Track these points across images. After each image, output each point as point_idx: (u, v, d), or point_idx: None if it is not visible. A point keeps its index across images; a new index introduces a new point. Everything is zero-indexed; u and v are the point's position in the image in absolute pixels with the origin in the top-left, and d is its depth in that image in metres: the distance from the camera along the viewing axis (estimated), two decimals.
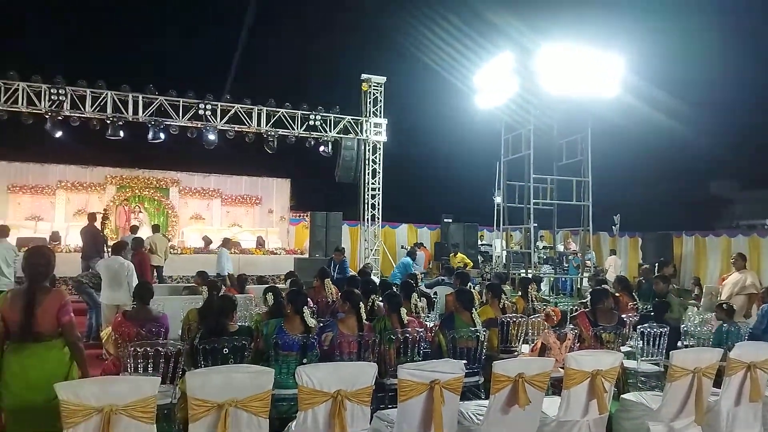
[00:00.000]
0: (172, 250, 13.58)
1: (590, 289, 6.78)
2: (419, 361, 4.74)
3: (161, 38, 19.24)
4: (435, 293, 8.49)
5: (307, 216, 18.69)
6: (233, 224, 18.38)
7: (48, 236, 14.53)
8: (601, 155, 12.77)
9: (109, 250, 9.79)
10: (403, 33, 19.71)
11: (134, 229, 12.10)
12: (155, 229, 12.50)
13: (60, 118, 12.26)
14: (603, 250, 20.39)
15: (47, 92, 12.11)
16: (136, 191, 17.04)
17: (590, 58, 11.32)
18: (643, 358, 5.35)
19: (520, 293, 7.45)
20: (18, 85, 12.08)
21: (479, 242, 18.84)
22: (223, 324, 4.34)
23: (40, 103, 12.15)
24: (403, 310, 4.97)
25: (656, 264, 10.76)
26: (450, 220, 18.32)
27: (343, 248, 11.39)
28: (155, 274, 11.63)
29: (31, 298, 3.32)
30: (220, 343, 4.10)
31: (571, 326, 5.47)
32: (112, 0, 18.76)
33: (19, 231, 15.00)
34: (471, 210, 19.64)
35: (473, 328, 4.89)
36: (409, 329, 4.71)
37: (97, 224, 10.72)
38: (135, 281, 6.99)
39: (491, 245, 18.78)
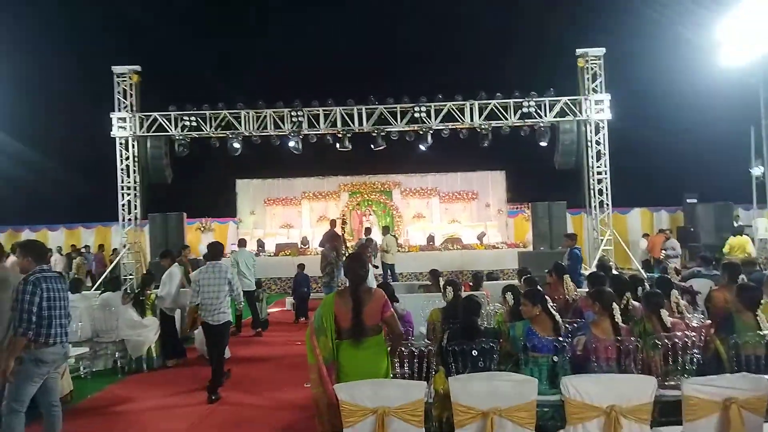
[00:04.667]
0: (399, 248, 14.43)
1: None
2: (691, 371, 4.12)
3: (370, 50, 20.49)
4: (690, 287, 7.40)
5: (525, 207, 18.17)
6: (452, 221, 18.79)
7: (299, 241, 16.68)
8: None
9: (347, 251, 10.88)
10: None
11: (368, 231, 13.10)
12: (386, 230, 13.35)
13: (300, 136, 13.91)
14: None
15: (288, 115, 13.86)
16: (365, 196, 18.56)
17: None
18: None
19: None
20: (265, 112, 14.06)
21: (734, 224, 16.10)
22: (473, 324, 4.32)
23: (284, 126, 13.97)
24: (664, 312, 4.37)
25: None
26: (695, 200, 16.03)
27: (575, 234, 10.65)
28: (389, 272, 12.46)
29: (358, 299, 3.74)
30: (468, 345, 4.09)
31: None
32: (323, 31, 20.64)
33: (276, 237, 17.55)
34: (720, 186, 16.90)
35: (762, 332, 4.07)
36: (678, 333, 4.11)
37: (337, 229, 11.89)
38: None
39: (751, 226, 15.90)
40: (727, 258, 9.85)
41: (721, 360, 4.13)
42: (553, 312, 4.24)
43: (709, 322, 4.93)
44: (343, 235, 11.80)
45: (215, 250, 6.46)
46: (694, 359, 4.15)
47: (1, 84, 17.10)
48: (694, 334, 4.20)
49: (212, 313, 5.97)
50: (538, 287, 5.25)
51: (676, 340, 4.07)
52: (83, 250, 17.85)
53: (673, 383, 4.00)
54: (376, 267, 11.35)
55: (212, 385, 5.87)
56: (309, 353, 3.81)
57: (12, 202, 20.22)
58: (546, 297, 4.46)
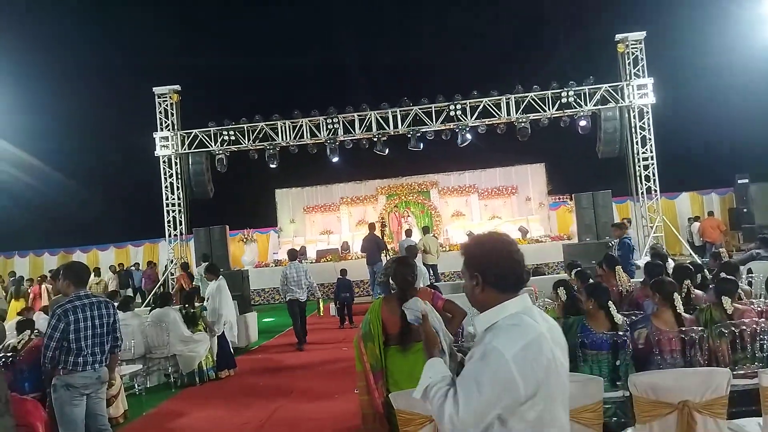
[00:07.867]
0: (441, 248, 14.27)
1: None
2: (762, 358, 3.89)
3: (401, 50, 20.40)
4: (749, 271, 7.04)
5: (567, 199, 17.72)
6: (492, 217, 18.46)
7: (339, 246, 16.74)
8: None
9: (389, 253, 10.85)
10: None
11: (408, 232, 13.02)
12: (425, 230, 13.24)
13: (336, 143, 13.97)
14: None
15: (324, 123, 13.95)
16: (403, 198, 18.48)
17: None
18: None
19: None
20: (302, 122, 14.19)
21: None
22: None
23: (320, 134, 14.06)
24: (726, 299, 4.13)
25: None
26: (746, 180, 15.30)
27: (623, 223, 10.21)
28: (431, 272, 12.32)
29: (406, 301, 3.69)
30: None
31: None
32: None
33: (316, 244, 17.68)
34: None
35: None
36: (745, 320, 3.88)
37: (377, 232, 11.87)
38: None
39: None
40: None
41: None
42: (611, 308, 4.07)
43: None
44: (383, 237, 11.74)
45: (293, 254, 9.49)
46: (765, 346, 3.92)
47: (48, 113, 17.88)
48: (762, 320, 3.97)
49: (298, 294, 9.03)
50: (591, 280, 5.09)
51: (744, 327, 3.85)
52: (132, 267, 18.44)
53: (742, 372, 3.79)
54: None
55: (300, 342, 9.04)
56: (357, 360, 3.76)
57: (62, 225, 21.03)
58: (603, 292, 4.28)
